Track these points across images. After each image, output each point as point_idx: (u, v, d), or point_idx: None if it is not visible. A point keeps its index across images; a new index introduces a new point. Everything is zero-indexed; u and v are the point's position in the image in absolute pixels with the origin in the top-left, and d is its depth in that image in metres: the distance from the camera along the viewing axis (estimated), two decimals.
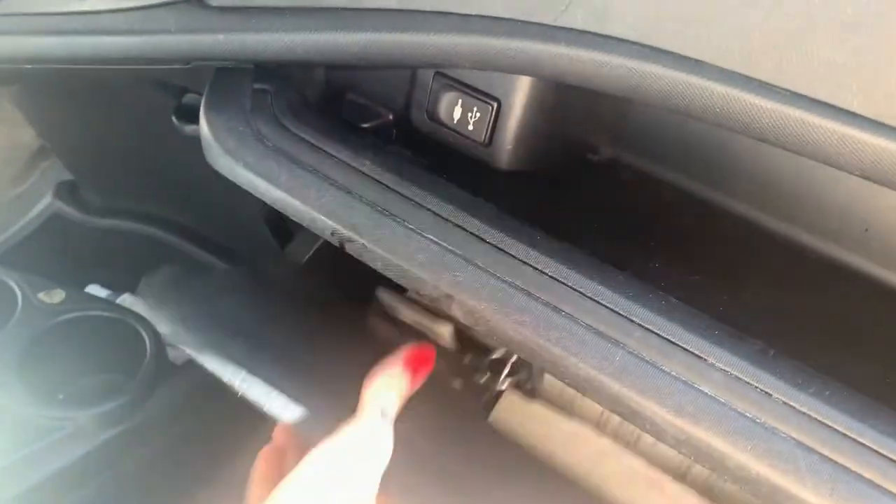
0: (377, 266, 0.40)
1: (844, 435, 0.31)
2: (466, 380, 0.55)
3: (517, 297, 0.37)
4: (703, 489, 0.52)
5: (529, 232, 0.39)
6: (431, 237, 0.39)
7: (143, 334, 0.73)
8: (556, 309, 0.36)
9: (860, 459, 0.31)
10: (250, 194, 0.44)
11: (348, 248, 0.41)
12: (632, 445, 0.53)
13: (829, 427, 0.31)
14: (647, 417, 0.34)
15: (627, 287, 0.36)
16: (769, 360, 0.33)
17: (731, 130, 0.34)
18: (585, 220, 0.44)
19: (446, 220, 0.39)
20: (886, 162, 0.30)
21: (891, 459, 0.30)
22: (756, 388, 0.33)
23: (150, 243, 0.85)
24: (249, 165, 0.43)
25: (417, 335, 0.57)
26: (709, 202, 0.49)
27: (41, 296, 0.75)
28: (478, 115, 0.42)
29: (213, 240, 0.83)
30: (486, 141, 0.43)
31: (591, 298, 0.36)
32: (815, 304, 0.41)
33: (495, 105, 0.42)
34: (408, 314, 0.57)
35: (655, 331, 0.35)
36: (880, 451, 0.31)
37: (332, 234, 0.41)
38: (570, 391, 0.54)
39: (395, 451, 0.38)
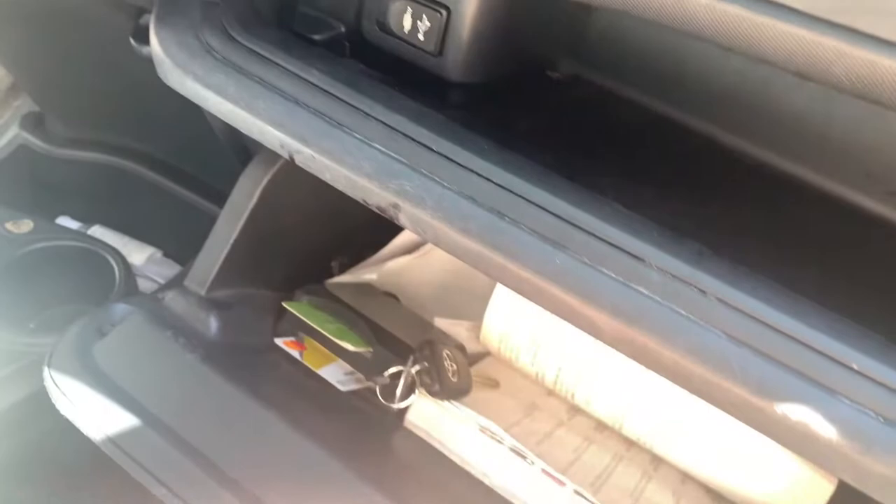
0: (325, 177, 0.40)
1: (775, 329, 0.32)
2: (384, 389, 0.55)
3: (462, 204, 0.37)
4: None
5: (477, 140, 0.39)
6: (378, 147, 0.39)
7: (113, 264, 0.73)
8: (501, 214, 0.36)
9: (790, 353, 0.31)
10: (209, 116, 0.44)
11: (297, 159, 0.41)
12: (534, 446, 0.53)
13: (761, 322, 0.32)
14: (585, 317, 0.34)
15: (572, 193, 0.37)
16: (705, 261, 0.34)
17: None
18: (538, 134, 0.44)
19: (394, 129, 0.39)
20: (819, 57, 0.30)
21: (817, 351, 0.31)
22: (691, 286, 0.33)
23: (117, 174, 0.84)
24: (199, 78, 0.43)
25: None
26: (666, 118, 0.49)
27: (8, 226, 0.74)
28: (427, 23, 0.42)
29: (179, 168, 0.83)
30: (437, 51, 0.42)
31: (534, 204, 0.36)
32: (762, 213, 0.42)
33: (445, 13, 0.41)
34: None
35: (597, 234, 0.35)
36: (810, 344, 0.31)
37: (281, 145, 0.41)
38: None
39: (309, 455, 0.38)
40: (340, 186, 0.40)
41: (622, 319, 0.33)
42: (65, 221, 0.85)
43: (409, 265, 0.67)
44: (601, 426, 0.59)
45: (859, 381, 0.31)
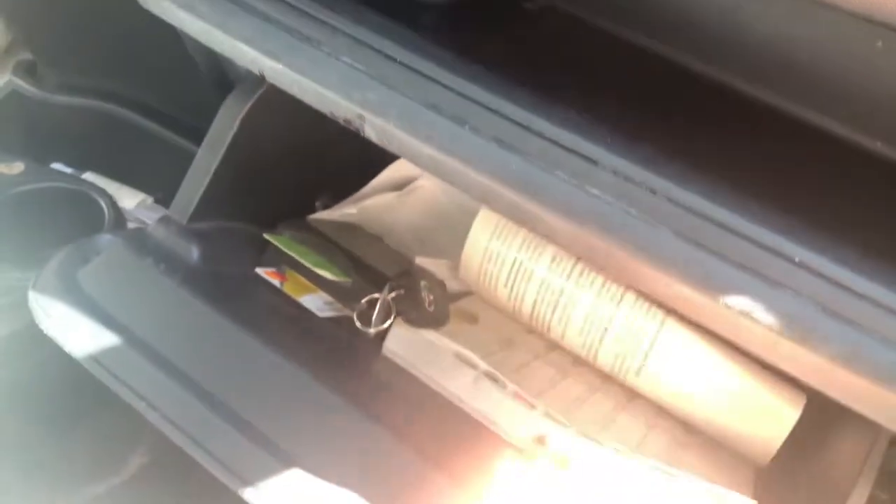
0: (294, 91, 0.41)
1: (721, 224, 0.33)
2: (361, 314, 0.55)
3: (424, 114, 0.38)
4: None
5: (440, 53, 0.39)
6: (345, 59, 0.40)
7: (102, 205, 0.74)
8: (462, 122, 0.37)
9: (736, 247, 0.32)
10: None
11: (268, 75, 0.42)
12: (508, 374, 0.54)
13: (706, 217, 0.33)
14: (540, 220, 0.35)
15: (530, 101, 0.37)
16: (657, 163, 0.35)
17: None
18: (504, 57, 0.45)
19: (360, 41, 0.40)
20: None
21: (760, 245, 0.32)
22: (641, 186, 0.34)
23: (109, 121, 0.85)
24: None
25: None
26: (638, 47, 0.50)
27: (0, 168, 0.76)
28: None
29: (171, 115, 0.83)
30: None
31: (494, 111, 0.37)
32: (719, 130, 0.42)
33: None
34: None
35: (553, 139, 0.36)
36: (754, 238, 0.32)
37: (252, 61, 0.42)
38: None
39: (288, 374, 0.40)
40: (309, 100, 0.41)
41: (575, 220, 0.34)
42: (58, 168, 0.86)
43: (391, 203, 0.68)
44: (578, 361, 0.60)
45: (801, 273, 0.32)
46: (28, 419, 0.73)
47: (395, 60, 0.39)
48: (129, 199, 0.84)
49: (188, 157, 0.84)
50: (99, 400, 0.77)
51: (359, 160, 0.68)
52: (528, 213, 0.35)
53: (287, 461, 0.45)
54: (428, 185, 0.70)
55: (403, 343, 0.55)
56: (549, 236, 0.36)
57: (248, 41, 0.41)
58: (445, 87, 0.38)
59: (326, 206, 0.70)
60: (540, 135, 0.36)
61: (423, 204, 0.70)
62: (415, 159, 0.39)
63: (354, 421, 0.47)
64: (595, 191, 0.34)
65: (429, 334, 0.55)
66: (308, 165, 0.64)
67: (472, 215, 0.66)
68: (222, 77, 0.61)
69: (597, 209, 0.34)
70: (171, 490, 0.79)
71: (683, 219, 0.33)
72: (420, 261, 0.64)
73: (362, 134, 0.40)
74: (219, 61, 0.58)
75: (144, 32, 0.72)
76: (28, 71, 0.86)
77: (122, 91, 0.84)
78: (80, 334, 0.50)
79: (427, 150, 0.38)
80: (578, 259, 0.55)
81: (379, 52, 0.40)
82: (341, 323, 0.57)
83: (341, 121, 0.40)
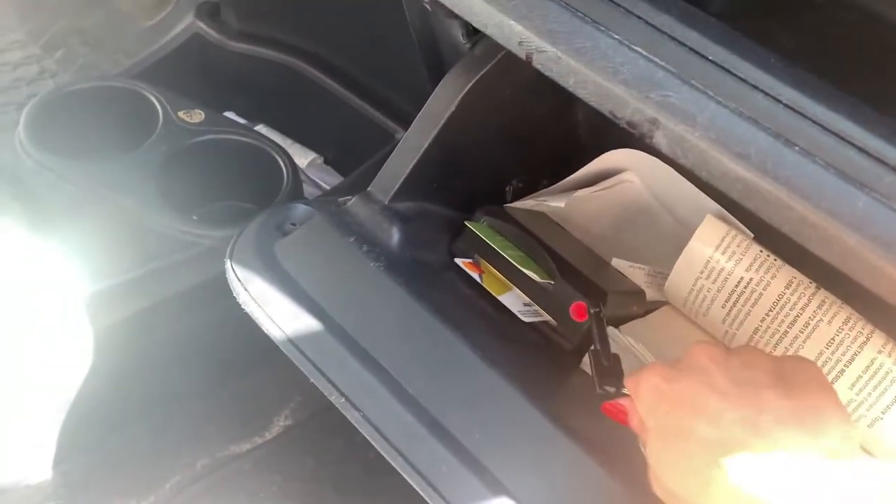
0: (568, 83, 0.36)
1: None
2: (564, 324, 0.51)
3: (741, 126, 0.31)
4: None
5: (760, 52, 0.33)
6: (640, 50, 0.33)
7: (281, 164, 0.72)
8: (789, 142, 0.31)
9: None
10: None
11: (536, 60, 0.36)
12: None
13: None
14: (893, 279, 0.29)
15: (880, 125, 0.30)
16: None
17: None
18: (828, 65, 0.37)
19: (660, 30, 0.34)
20: None
21: None
22: None
23: (287, 74, 0.82)
24: None
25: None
26: None
27: (181, 114, 0.74)
28: None
29: (351, 74, 0.79)
30: None
31: (834, 133, 0.30)
32: None
33: None
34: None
35: None
36: None
37: (520, 42, 0.36)
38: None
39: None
40: (585, 94, 0.35)
41: None
42: (230, 117, 0.85)
43: (593, 197, 0.62)
44: None
45: None
46: (193, 372, 0.73)
47: (703, 56, 0.33)
48: (300, 157, 0.81)
49: (363, 120, 0.81)
50: (254, 361, 0.77)
51: (554, 147, 0.63)
52: (876, 267, 0.29)
53: (495, 488, 0.41)
54: (634, 181, 0.63)
55: None
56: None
57: (520, 17, 0.36)
58: (768, 94, 0.32)
59: (517, 192, 0.64)
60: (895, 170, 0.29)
61: (624, 200, 0.64)
62: (718, 178, 0.32)
63: (568, 452, 0.42)
64: None
65: (638, 351, 0.50)
66: (506, 151, 0.60)
67: (678, 219, 0.59)
68: (434, 50, 0.56)
69: None
70: (311, 454, 0.78)
71: None
72: (617, 263, 0.59)
73: (646, 139, 0.34)
74: (436, 35, 0.53)
75: None
76: (211, 15, 0.84)
77: (305, 46, 0.80)
78: (277, 314, 0.47)
79: (737, 171, 0.31)
80: (819, 287, 0.48)
81: (683, 44, 0.33)
82: (538, 328, 0.52)
83: (623, 122, 0.34)
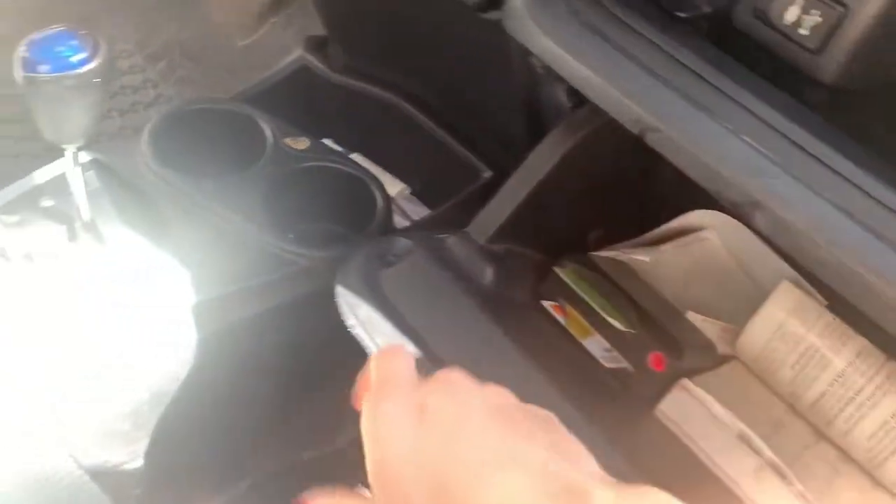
0: (678, 161, 0.40)
1: None
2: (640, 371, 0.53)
3: (835, 217, 0.35)
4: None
5: (856, 149, 0.36)
6: (747, 139, 0.37)
7: (376, 193, 0.77)
8: (879, 236, 0.34)
9: None
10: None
11: (650, 139, 0.40)
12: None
13: None
14: None
15: None
16: None
17: None
18: None
19: (765, 122, 0.37)
20: None
21: None
22: None
23: (384, 107, 0.87)
24: (557, 38, 0.43)
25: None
26: None
27: (288, 141, 0.80)
28: (818, 19, 0.39)
29: (445, 115, 0.84)
30: (818, 48, 0.40)
31: None
32: None
33: (842, 10, 0.38)
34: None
35: None
36: None
37: (637, 121, 0.41)
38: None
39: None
40: (693, 173, 0.39)
41: None
42: (328, 143, 0.90)
43: (674, 251, 0.65)
44: (848, 458, 0.55)
45: None
46: (274, 382, 0.77)
47: (804, 150, 0.36)
48: (391, 186, 0.86)
49: (451, 157, 0.86)
50: (330, 375, 0.81)
51: (638, 202, 0.66)
52: None
53: None
54: (713, 239, 0.67)
55: (681, 409, 0.53)
56: None
57: (637, 99, 0.40)
58: (861, 190, 0.35)
59: (598, 240, 0.68)
60: None
61: (701, 256, 0.67)
62: (811, 263, 0.36)
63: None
64: None
65: (713, 405, 0.53)
66: (592, 201, 0.63)
67: (753, 278, 0.62)
68: (535, 108, 0.60)
69: None
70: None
71: None
72: (692, 316, 0.62)
73: (745, 220, 0.38)
74: (544, 97, 0.57)
75: (453, 37, 0.73)
76: (319, 48, 0.90)
77: (404, 84, 0.86)
78: (381, 338, 0.51)
79: (830, 259, 0.35)
80: (890, 358, 0.50)
81: (786, 136, 0.37)
82: (615, 373, 0.56)
83: (725, 202, 0.38)
